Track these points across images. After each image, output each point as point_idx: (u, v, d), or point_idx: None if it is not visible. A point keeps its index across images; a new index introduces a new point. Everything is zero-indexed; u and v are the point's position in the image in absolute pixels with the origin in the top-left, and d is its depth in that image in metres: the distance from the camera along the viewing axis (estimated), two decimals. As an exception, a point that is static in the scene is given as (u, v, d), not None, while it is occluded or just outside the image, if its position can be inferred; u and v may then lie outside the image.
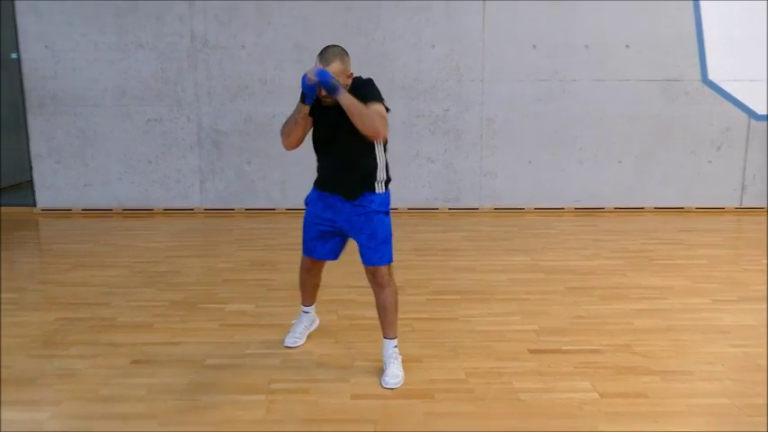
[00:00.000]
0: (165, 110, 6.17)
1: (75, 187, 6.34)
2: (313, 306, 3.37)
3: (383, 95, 2.79)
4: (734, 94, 6.24)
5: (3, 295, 4.11)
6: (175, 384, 2.89)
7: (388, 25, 6.01)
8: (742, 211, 6.45)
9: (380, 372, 2.94)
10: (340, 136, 2.81)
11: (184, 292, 4.14)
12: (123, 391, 2.83)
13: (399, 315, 3.45)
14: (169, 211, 6.40)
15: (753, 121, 6.30)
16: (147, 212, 6.39)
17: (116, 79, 6.11)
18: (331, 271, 4.31)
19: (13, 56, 7.22)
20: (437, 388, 2.84)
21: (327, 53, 2.75)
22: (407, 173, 6.29)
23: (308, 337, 3.38)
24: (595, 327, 3.54)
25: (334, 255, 3.10)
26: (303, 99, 2.74)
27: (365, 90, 2.77)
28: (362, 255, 2.93)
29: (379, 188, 2.93)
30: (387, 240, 2.92)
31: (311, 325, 3.40)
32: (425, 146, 6.26)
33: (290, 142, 2.86)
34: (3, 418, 2.66)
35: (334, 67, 2.69)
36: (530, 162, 6.33)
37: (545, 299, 3.98)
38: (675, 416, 2.63)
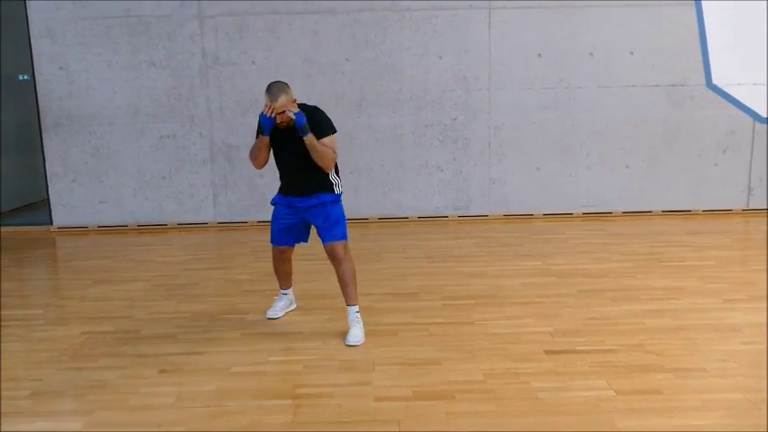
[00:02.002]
0: (178, 126, 6.30)
1: (90, 204, 6.46)
2: (290, 289, 3.97)
3: (333, 119, 3.49)
4: (738, 98, 6.33)
5: (28, 311, 4.22)
6: (203, 392, 2.97)
7: (395, 37, 6.14)
8: (749, 212, 6.51)
9: (352, 337, 3.45)
10: (297, 153, 3.42)
11: (204, 303, 4.23)
12: (153, 400, 2.92)
13: (415, 320, 3.80)
14: (183, 226, 6.51)
15: (757, 124, 6.38)
16: (161, 228, 6.50)
17: (129, 97, 6.25)
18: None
19: (24, 77, 7.40)
20: (457, 389, 2.92)
21: (273, 90, 3.31)
22: (417, 182, 6.39)
23: (329, 343, 3.48)
24: (608, 327, 3.61)
25: (303, 239, 3.73)
26: (262, 132, 3.41)
27: (317, 121, 3.40)
28: (320, 236, 3.57)
29: (331, 189, 3.55)
30: (339, 222, 3.55)
31: (290, 305, 3.98)
32: (434, 155, 6.37)
33: (259, 164, 3.56)
34: (37, 429, 2.75)
35: (282, 100, 3.29)
36: (538, 169, 6.43)
37: (558, 302, 4.06)
38: (690, 411, 2.69)
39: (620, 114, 6.35)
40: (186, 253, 5.62)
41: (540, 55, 6.22)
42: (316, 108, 3.48)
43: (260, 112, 3.41)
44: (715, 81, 6.32)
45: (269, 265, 5.08)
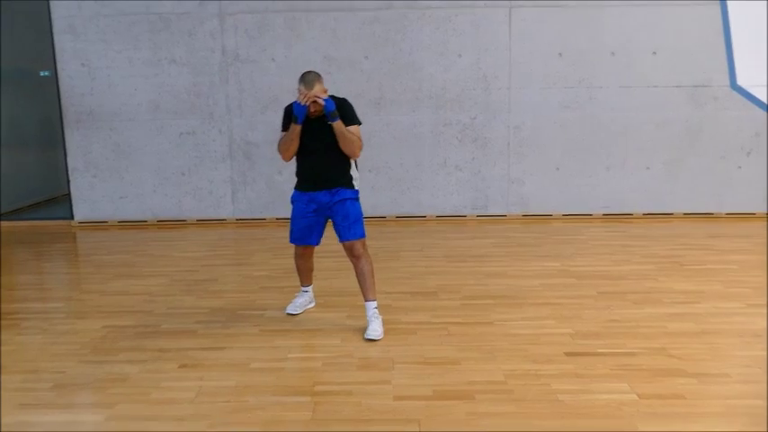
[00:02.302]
0: (198, 123, 6.34)
1: (110, 200, 6.53)
2: (310, 287, 3.99)
3: (356, 112, 3.52)
4: (763, 99, 6.23)
5: (49, 305, 4.28)
6: (223, 387, 2.98)
7: (415, 36, 6.12)
8: (772, 215, 6.41)
9: (371, 332, 3.43)
10: (323, 143, 3.46)
11: (223, 299, 4.25)
12: (174, 394, 2.93)
13: (434, 319, 3.80)
14: (202, 222, 6.55)
15: (782, 125, 6.28)
16: (180, 223, 6.55)
17: (150, 94, 6.30)
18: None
19: (45, 73, 7.49)
20: (477, 389, 2.90)
21: (309, 78, 3.37)
22: (435, 181, 6.38)
23: (348, 340, 3.48)
24: (629, 330, 3.57)
25: (318, 241, 3.74)
26: (296, 120, 3.40)
27: (345, 110, 3.44)
28: (339, 234, 3.58)
29: (351, 184, 3.59)
30: (358, 219, 3.58)
31: (309, 303, 4.00)
32: (453, 154, 6.35)
33: (290, 155, 3.56)
34: (61, 420, 2.78)
35: (318, 89, 3.36)
36: (557, 169, 6.38)
37: (578, 303, 4.02)
38: (714, 417, 2.65)
39: (641, 115, 6.28)
40: (205, 249, 5.65)
41: (560, 54, 6.18)
42: (344, 99, 3.51)
43: (285, 106, 3.51)
44: (740, 82, 6.23)
45: (287, 262, 5.13)
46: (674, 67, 6.20)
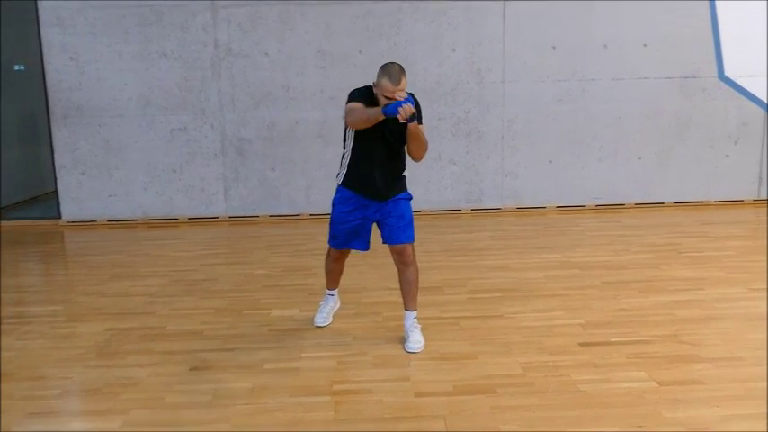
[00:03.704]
0: (189, 118, 6.22)
1: (99, 198, 6.38)
2: (337, 289, 3.67)
3: None
4: (750, 90, 6.33)
5: (47, 308, 4.17)
6: (239, 389, 2.93)
7: (409, 29, 6.08)
8: (760, 203, 6.53)
9: (413, 343, 3.18)
10: (395, 146, 3.18)
11: (226, 299, 4.18)
12: (189, 398, 2.87)
13: (443, 314, 3.81)
14: (194, 220, 6.44)
15: (769, 115, 6.40)
16: (171, 222, 6.43)
17: (140, 89, 6.16)
18: (366, 274, 4.42)
19: (19, 68, 7.27)
20: (497, 383, 2.90)
21: (394, 71, 2.99)
22: (430, 175, 6.35)
23: (359, 338, 3.46)
24: (639, 319, 3.61)
25: (367, 245, 3.40)
26: (385, 113, 2.92)
27: (418, 108, 3.06)
28: (391, 236, 3.26)
29: (405, 185, 3.36)
30: (411, 222, 3.30)
31: (335, 305, 3.70)
32: (447, 148, 6.33)
33: (357, 127, 3.12)
34: (74, 428, 2.71)
35: (404, 84, 2.99)
36: (550, 161, 6.41)
37: (584, 294, 4.05)
38: (735, 399, 2.69)
39: (632, 106, 6.33)
40: (200, 247, 5.56)
41: (554, 47, 6.19)
42: (413, 94, 3.07)
43: (354, 90, 3.14)
44: (727, 73, 6.32)
45: (286, 260, 5.10)
46: (665, 60, 6.25)
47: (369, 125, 3.04)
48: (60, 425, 2.72)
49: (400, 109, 2.83)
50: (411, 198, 3.35)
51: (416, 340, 3.26)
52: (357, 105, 3.07)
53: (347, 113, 3.10)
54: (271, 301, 4.14)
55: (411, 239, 3.28)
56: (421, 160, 3.24)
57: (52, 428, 2.68)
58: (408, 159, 3.26)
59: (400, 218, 3.24)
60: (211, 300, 4.18)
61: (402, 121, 2.89)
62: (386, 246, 3.34)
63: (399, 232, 3.24)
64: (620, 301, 3.88)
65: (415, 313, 3.36)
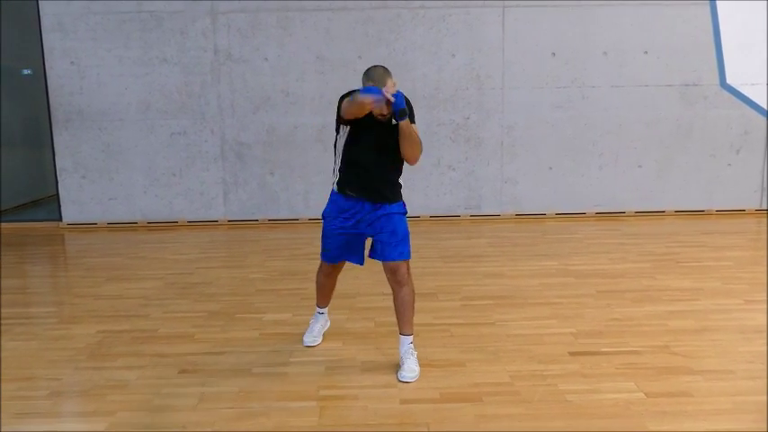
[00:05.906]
0: (189, 123, 6.26)
1: (99, 201, 6.42)
2: (327, 308, 3.52)
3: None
4: (752, 98, 6.29)
5: (41, 309, 4.19)
6: (226, 393, 2.93)
7: (408, 35, 6.10)
8: (762, 212, 6.48)
9: (407, 372, 3.02)
10: (387, 148, 2.99)
11: (220, 302, 4.19)
12: (175, 401, 2.87)
13: (435, 321, 3.74)
14: (193, 224, 6.47)
15: (771, 124, 6.35)
16: (171, 225, 6.46)
17: (140, 93, 6.20)
18: (361, 279, 4.42)
19: (26, 72, 7.35)
20: (484, 391, 2.88)
21: (377, 75, 2.88)
22: (429, 181, 6.35)
23: (349, 344, 3.44)
24: (631, 328, 3.58)
25: (362, 259, 3.22)
26: (392, 112, 2.82)
27: (409, 107, 2.93)
28: (383, 252, 3.05)
29: (399, 196, 3.12)
30: (406, 238, 3.06)
31: (325, 324, 3.54)
32: (446, 154, 6.33)
33: (350, 113, 2.90)
34: (61, 429, 2.71)
35: (390, 84, 2.86)
36: (550, 168, 6.39)
37: (578, 302, 4.02)
38: (723, 414, 2.66)
39: (633, 114, 6.31)
40: (198, 251, 5.58)
41: (553, 54, 6.19)
42: (402, 93, 2.90)
43: (343, 94, 3.00)
44: (729, 81, 6.29)
45: (282, 264, 5.11)
46: (665, 67, 6.23)
47: (359, 110, 2.81)
48: (46, 425, 2.73)
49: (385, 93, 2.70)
50: (406, 213, 3.13)
51: (411, 369, 3.01)
52: (352, 102, 2.87)
53: (344, 111, 2.95)
54: (264, 305, 4.14)
55: (405, 257, 3.04)
56: (416, 162, 3.06)
57: (38, 429, 2.69)
58: (406, 166, 3.12)
59: (392, 234, 3.02)
60: (205, 303, 4.19)
61: (387, 97, 2.73)
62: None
63: (391, 249, 3.02)
64: (614, 311, 3.86)
65: (410, 338, 3.10)
